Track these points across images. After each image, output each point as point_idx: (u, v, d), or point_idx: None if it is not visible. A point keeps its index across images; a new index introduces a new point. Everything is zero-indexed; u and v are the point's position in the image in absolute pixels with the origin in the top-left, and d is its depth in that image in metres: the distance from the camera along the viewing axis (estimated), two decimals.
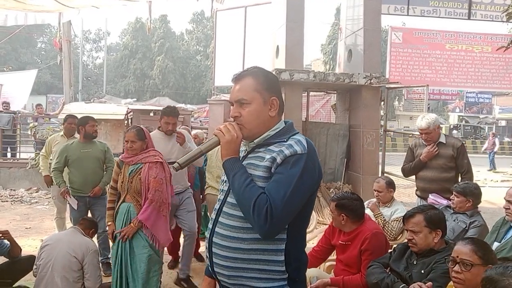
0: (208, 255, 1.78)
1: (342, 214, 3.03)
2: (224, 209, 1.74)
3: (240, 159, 1.75)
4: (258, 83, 1.72)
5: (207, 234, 1.82)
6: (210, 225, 1.79)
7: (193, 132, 5.81)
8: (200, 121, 19.40)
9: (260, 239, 1.63)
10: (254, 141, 1.75)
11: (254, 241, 1.64)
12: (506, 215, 2.98)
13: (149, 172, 3.46)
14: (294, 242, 1.70)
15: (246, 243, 1.65)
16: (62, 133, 5.80)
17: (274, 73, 6.48)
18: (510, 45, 5.24)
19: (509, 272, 1.63)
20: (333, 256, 3.38)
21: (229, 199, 1.73)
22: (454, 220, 3.46)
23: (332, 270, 3.32)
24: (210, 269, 1.80)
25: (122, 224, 3.47)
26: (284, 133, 1.73)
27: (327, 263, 3.48)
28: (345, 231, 3.08)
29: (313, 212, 4.55)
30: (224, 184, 1.80)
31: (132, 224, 3.40)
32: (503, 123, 37.94)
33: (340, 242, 3.11)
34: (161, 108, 12.19)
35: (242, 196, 1.61)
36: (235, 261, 1.67)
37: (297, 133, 1.75)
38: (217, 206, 1.80)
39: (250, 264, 1.66)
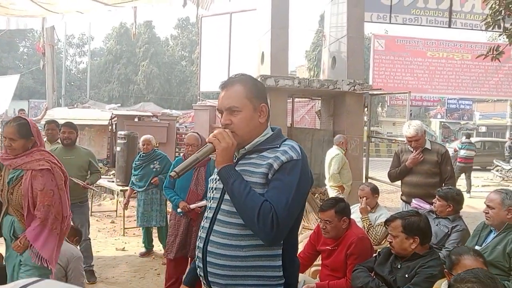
0: (201, 265, 1.75)
1: (344, 218, 3.09)
2: (219, 217, 1.72)
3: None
4: (248, 91, 1.74)
5: (198, 243, 1.78)
6: (202, 234, 1.77)
7: (144, 137, 5.70)
8: (186, 127, 19.29)
9: (258, 245, 1.64)
10: (245, 147, 1.76)
11: (253, 247, 1.65)
12: (486, 219, 3.05)
13: (33, 183, 2.78)
14: (289, 246, 1.72)
15: (245, 250, 1.65)
16: (45, 139, 5.74)
17: (259, 79, 6.53)
18: (489, 53, 5.37)
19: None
20: (319, 261, 3.41)
21: (223, 207, 1.71)
22: (436, 225, 3.53)
23: (318, 275, 3.35)
24: (202, 279, 1.77)
25: (11, 240, 2.92)
26: (275, 139, 1.76)
27: (313, 268, 3.50)
28: (336, 238, 3.11)
29: None
30: (215, 191, 1.78)
31: (19, 242, 2.81)
32: (484, 129, 38.67)
33: (327, 247, 3.14)
34: (145, 113, 12.18)
35: (243, 205, 1.60)
36: (233, 269, 1.66)
37: (287, 139, 1.78)
38: (209, 214, 1.78)
39: (248, 271, 1.66)
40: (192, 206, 3.98)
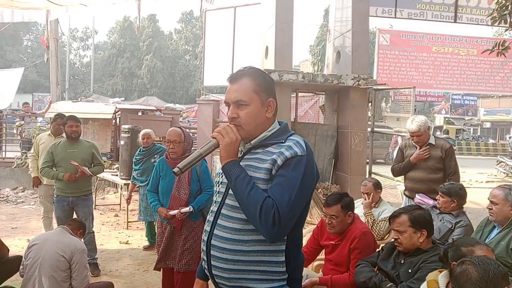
0: (205, 258, 1.76)
1: (349, 212, 3.08)
2: (223, 211, 1.73)
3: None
4: (256, 84, 1.72)
5: (203, 237, 1.79)
6: (207, 228, 1.78)
7: (143, 131, 5.67)
8: (188, 121, 19.33)
9: (261, 240, 1.64)
10: (251, 142, 1.75)
11: (255, 242, 1.65)
12: (490, 215, 3.05)
13: None
14: (293, 242, 1.72)
15: (247, 245, 1.65)
16: (49, 132, 5.76)
17: None
18: (495, 48, 5.32)
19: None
20: (322, 255, 3.42)
21: (227, 201, 1.72)
22: (440, 220, 3.53)
23: (321, 270, 3.36)
24: (207, 271, 1.79)
25: None
26: (281, 134, 1.74)
27: (316, 263, 3.51)
28: (339, 232, 3.11)
29: None
30: (221, 185, 1.78)
31: None
32: (488, 125, 38.53)
33: (331, 242, 3.14)
34: (149, 107, 12.19)
35: (246, 200, 1.60)
36: (236, 263, 1.66)
37: (293, 133, 1.76)
38: (214, 208, 1.79)
39: (250, 265, 1.66)
40: (172, 212, 3.55)
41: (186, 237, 3.61)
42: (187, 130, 6.34)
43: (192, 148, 3.81)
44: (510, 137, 21.65)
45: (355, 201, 3.41)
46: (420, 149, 4.24)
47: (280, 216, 1.55)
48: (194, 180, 3.65)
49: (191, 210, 3.54)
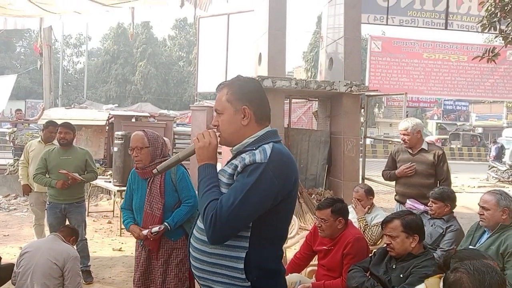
0: (188, 254, 1.88)
1: (340, 218, 3.08)
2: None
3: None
4: (230, 94, 1.79)
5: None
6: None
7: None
8: (177, 124, 19.10)
9: (222, 244, 1.69)
10: (234, 148, 1.83)
11: (216, 246, 1.71)
12: (481, 220, 3.08)
13: None
14: (256, 252, 1.70)
15: (210, 247, 1.73)
16: (39, 139, 5.72)
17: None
18: (485, 54, 5.39)
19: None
20: (315, 261, 3.43)
21: None
22: (431, 225, 3.56)
23: (314, 275, 3.37)
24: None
25: None
26: (260, 141, 1.76)
27: (309, 268, 3.52)
28: (332, 237, 3.12)
29: (295, 217, 4.59)
30: None
31: None
32: (480, 130, 38.84)
33: (324, 247, 3.16)
34: (143, 114, 12.17)
35: (200, 201, 1.70)
36: (202, 263, 1.76)
37: (271, 142, 1.74)
38: None
39: (213, 267, 1.73)
40: (145, 232, 3.03)
41: (166, 261, 3.08)
42: (178, 134, 6.08)
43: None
44: (489, 143, 21.91)
45: (348, 207, 3.42)
46: (411, 154, 4.29)
47: (217, 219, 1.60)
48: (169, 191, 3.08)
49: (161, 229, 2.99)
